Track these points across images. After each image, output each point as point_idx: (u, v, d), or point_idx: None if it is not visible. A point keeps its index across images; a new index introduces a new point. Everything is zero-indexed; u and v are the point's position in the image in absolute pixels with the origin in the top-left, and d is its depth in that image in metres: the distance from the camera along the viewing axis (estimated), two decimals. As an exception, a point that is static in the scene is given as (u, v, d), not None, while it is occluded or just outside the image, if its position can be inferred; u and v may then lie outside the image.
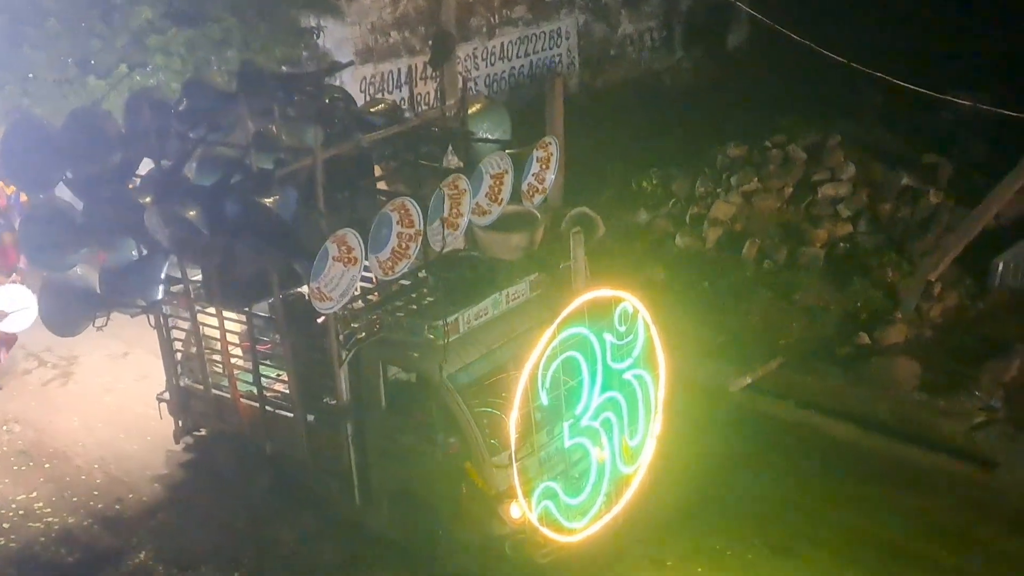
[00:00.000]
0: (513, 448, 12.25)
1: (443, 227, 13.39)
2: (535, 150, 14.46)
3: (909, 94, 18.51)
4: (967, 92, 19.58)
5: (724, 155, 22.51)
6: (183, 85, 15.69)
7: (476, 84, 24.43)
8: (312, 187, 12.97)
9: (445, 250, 13.69)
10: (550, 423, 12.83)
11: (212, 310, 14.44)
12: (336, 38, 22.47)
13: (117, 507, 15.17)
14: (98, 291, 14.15)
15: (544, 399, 12.49)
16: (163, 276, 14.01)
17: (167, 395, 15.63)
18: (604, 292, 12.75)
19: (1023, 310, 18.67)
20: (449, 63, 22.06)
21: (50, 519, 14.84)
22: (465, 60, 23.80)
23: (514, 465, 12.29)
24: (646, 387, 13.47)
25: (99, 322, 14.31)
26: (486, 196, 13.81)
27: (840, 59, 18.65)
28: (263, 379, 14.52)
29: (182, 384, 15.41)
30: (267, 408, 14.50)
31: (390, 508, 13.88)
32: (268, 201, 12.63)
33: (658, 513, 13.80)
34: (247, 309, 14.21)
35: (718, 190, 21.75)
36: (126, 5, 18.57)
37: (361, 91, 22.94)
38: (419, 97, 23.82)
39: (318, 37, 21.77)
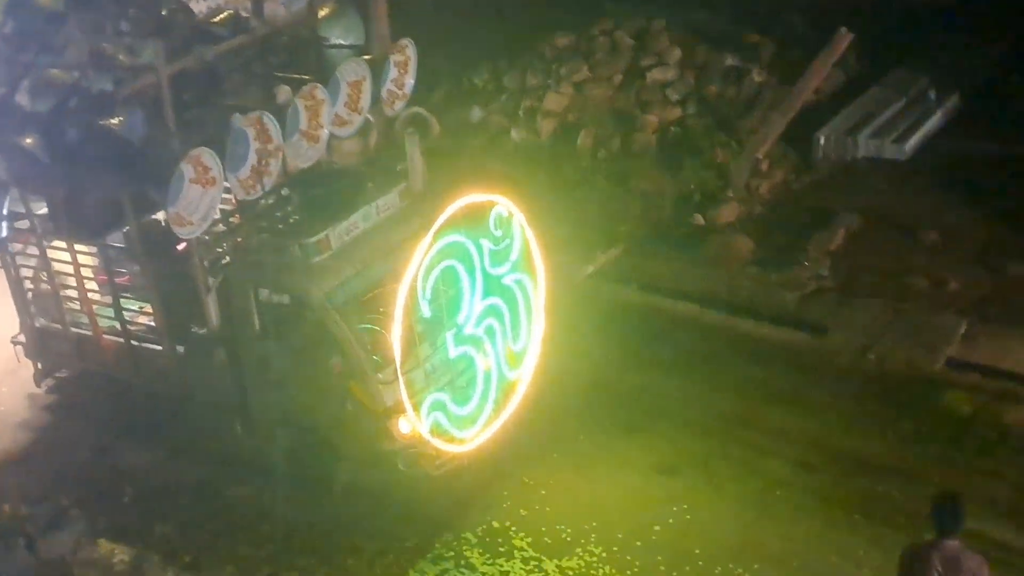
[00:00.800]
0: (398, 362, 11.79)
1: (303, 140, 13.05)
2: (391, 54, 14.02)
3: None
4: None
5: (552, 45, 22.45)
6: (6, 4, 14.66)
7: None
8: (159, 106, 12.28)
9: (307, 164, 13.26)
10: (433, 334, 12.45)
11: (63, 244, 13.64)
12: None
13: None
14: None
15: (426, 311, 12.11)
16: (4, 211, 13.58)
17: (22, 337, 14.71)
18: (477, 197, 12.45)
19: (844, 181, 19.34)
20: None
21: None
22: None
23: (400, 379, 11.85)
24: (526, 291, 13.24)
25: None
26: (345, 105, 13.43)
27: None
28: (125, 313, 13.75)
29: (37, 325, 14.53)
30: (132, 343, 13.80)
31: (277, 438, 13.12)
32: (112, 124, 12.14)
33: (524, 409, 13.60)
34: (100, 241, 13.59)
35: (549, 81, 21.53)
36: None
37: None
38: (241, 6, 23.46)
39: None
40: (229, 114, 12.98)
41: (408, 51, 14.13)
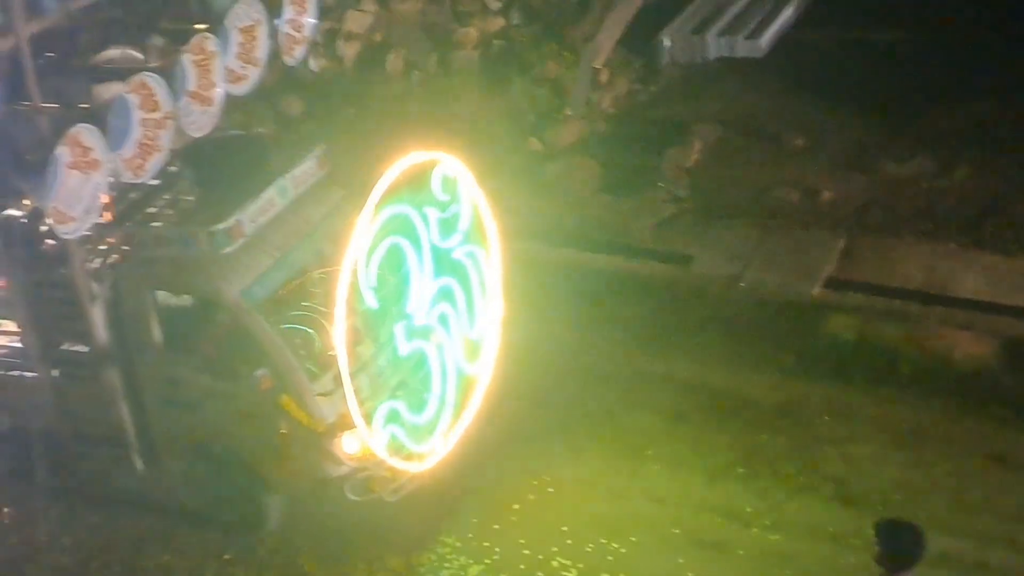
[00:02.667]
0: (344, 368, 10.06)
1: (194, 104, 11.08)
2: None
3: None
4: None
5: None
6: None
7: None
8: (19, 75, 10.40)
9: (200, 134, 11.30)
10: (377, 329, 10.73)
11: None
12: None
13: None
14: None
15: (372, 301, 10.33)
16: None
17: None
18: (419, 156, 10.61)
19: (696, 88, 18.41)
20: None
21: None
22: None
23: (348, 388, 10.11)
24: (479, 265, 11.39)
25: None
26: (237, 58, 11.51)
27: None
28: None
29: None
30: None
31: (183, 469, 11.53)
32: None
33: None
34: None
35: (348, -2, 19.69)
36: None
37: None
38: None
39: None
40: (97, 79, 11.18)
41: None
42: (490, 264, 11.45)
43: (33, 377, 11.52)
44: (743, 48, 18.92)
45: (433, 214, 10.78)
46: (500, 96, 18.45)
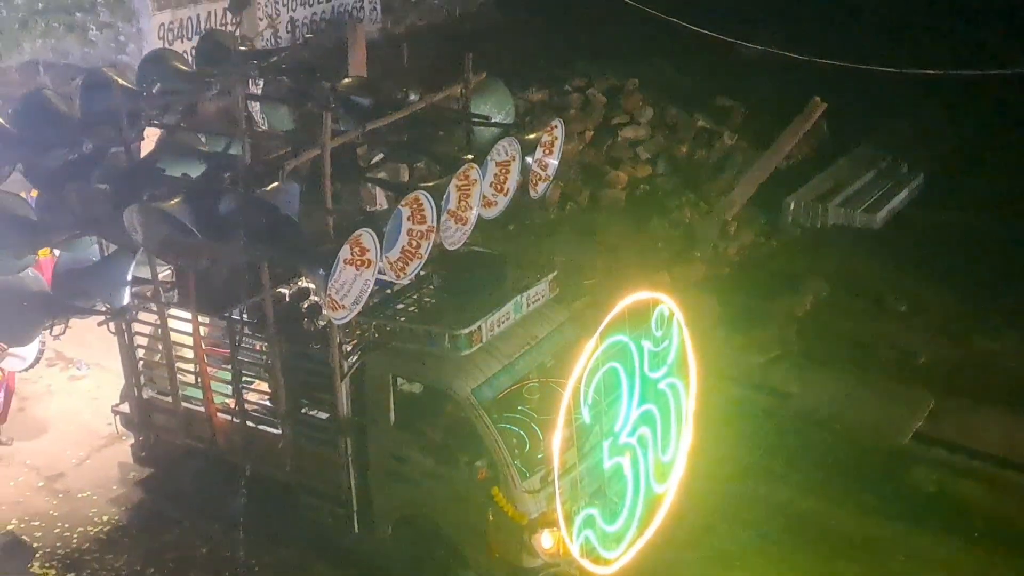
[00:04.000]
0: (556, 472, 10.05)
1: (451, 221, 11.22)
2: (542, 135, 12.18)
3: (702, 38, 17.56)
4: (756, 37, 18.51)
5: (525, 100, 20.95)
6: (141, 62, 13.13)
7: (276, 31, 22.35)
8: (315, 181, 10.80)
9: (454, 247, 11.39)
10: (584, 441, 10.60)
11: (183, 314, 11.80)
12: None
13: (71, 539, 12.54)
14: (52, 295, 11.70)
15: (586, 416, 10.36)
16: (129, 278, 11.54)
17: (125, 407, 12.99)
18: (645, 295, 10.82)
19: (813, 247, 18.40)
20: (249, 8, 19.72)
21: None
22: (265, 6, 21.60)
23: (556, 490, 10.08)
24: (679, 397, 11.44)
25: (56, 330, 11.70)
26: (491, 186, 11.62)
27: (637, 4, 18.68)
28: (243, 391, 11.82)
29: (145, 396, 12.64)
30: (247, 423, 11.86)
31: (394, 536, 11.60)
32: (268, 196, 10.48)
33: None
34: (226, 313, 11.58)
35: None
36: None
37: (160, 38, 20.31)
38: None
39: None
40: (361, 190, 11.52)
41: (556, 131, 12.28)
42: (687, 397, 11.60)
43: (277, 433, 11.81)
44: (860, 219, 18.97)
45: (647, 346, 10.95)
46: (640, 233, 18.69)
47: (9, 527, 12.36)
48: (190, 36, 21.84)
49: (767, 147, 18.90)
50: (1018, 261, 17.29)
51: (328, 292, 10.06)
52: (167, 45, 21.08)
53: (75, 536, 12.47)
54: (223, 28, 22.01)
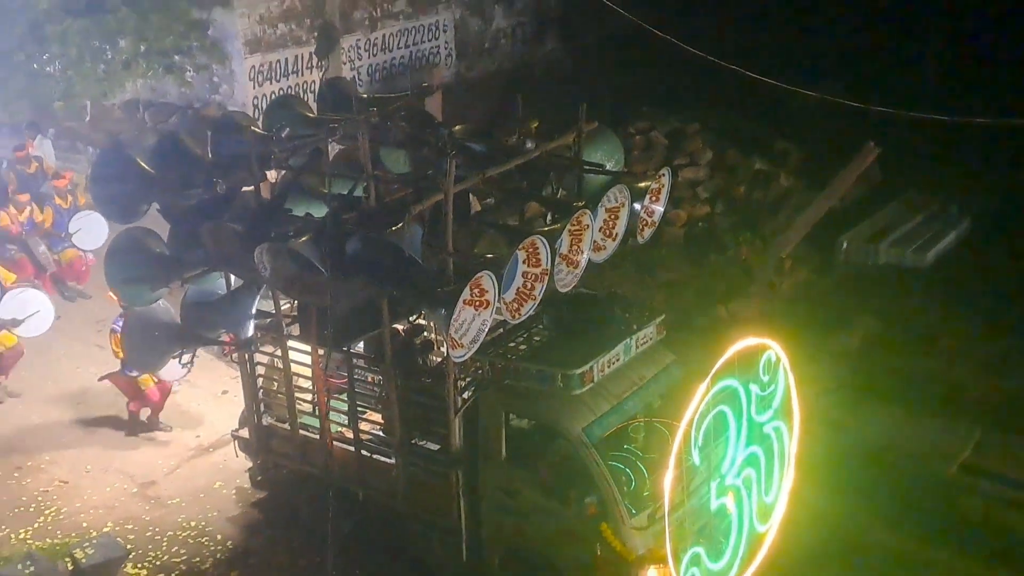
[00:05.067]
0: (667, 510, 9.73)
1: (563, 264, 11.03)
2: (652, 183, 12.03)
3: (763, 85, 16.92)
4: (814, 84, 19.76)
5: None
6: (268, 107, 13.27)
7: (359, 74, 22.39)
8: (435, 223, 10.63)
9: (565, 290, 11.20)
10: (694, 482, 10.40)
11: (303, 346, 11.68)
12: (225, 29, 20.24)
13: (161, 542, 12.59)
14: (181, 325, 11.68)
15: (696, 458, 10.06)
16: (254, 311, 11.55)
17: (244, 432, 12.81)
18: (755, 340, 10.57)
19: (865, 284, 18.16)
20: (334, 53, 19.85)
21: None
22: (349, 51, 21.56)
23: (667, 529, 9.73)
24: (782, 440, 11.16)
25: (184, 358, 11.77)
26: (600, 231, 11.43)
27: (699, 52, 18.79)
28: (341, 417, 11.75)
29: (264, 422, 12.50)
30: (362, 452, 11.71)
31: (502, 566, 11.32)
32: (394, 237, 10.31)
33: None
34: (346, 347, 11.55)
35: (587, 174, 21.32)
36: (24, -5, 15.80)
37: (250, 80, 20.42)
38: (305, 85, 22.49)
39: (208, 29, 19.63)
40: (472, 232, 11.41)
41: (664, 179, 12.17)
42: (791, 440, 11.30)
43: (389, 462, 11.65)
44: (910, 259, 18.71)
45: (755, 390, 10.63)
46: (698, 269, 18.52)
47: (105, 529, 12.29)
48: (278, 78, 22.10)
49: (822, 189, 18.70)
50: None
51: (450, 331, 9.89)
52: (257, 86, 21.34)
53: (164, 540, 12.42)
54: (309, 71, 22.37)
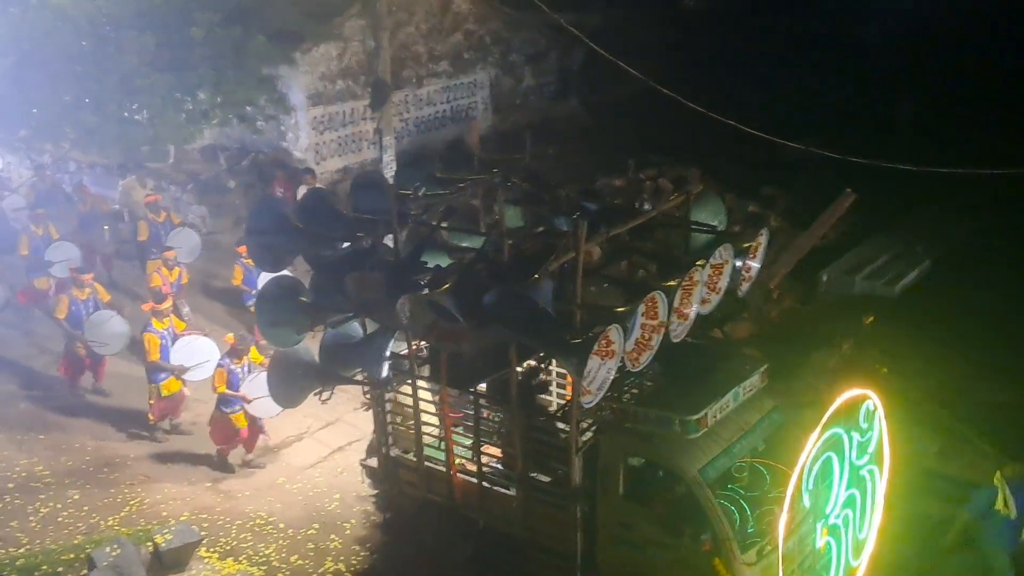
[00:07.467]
0: (780, 549, 9.38)
1: (674, 317, 10.61)
2: (753, 244, 11.81)
3: (755, 138, 17.50)
4: (800, 138, 18.40)
5: (609, 185, 21.05)
6: (400, 168, 13.02)
7: (407, 125, 22.52)
8: (564, 280, 10.09)
9: (676, 340, 10.78)
10: (802, 522, 9.95)
11: (432, 385, 11.20)
12: (291, 84, 20.46)
13: (231, 529, 12.29)
14: (320, 366, 11.12)
15: (806, 501, 9.60)
16: (388, 353, 11.14)
17: (372, 462, 12.33)
18: (858, 391, 10.33)
19: (842, 311, 18.23)
20: (385, 107, 19.85)
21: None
22: (398, 104, 21.62)
23: (780, 566, 9.41)
24: (875, 481, 10.70)
25: (324, 395, 11.39)
26: (706, 286, 11.06)
27: (700, 108, 17.79)
28: (463, 450, 11.35)
29: (392, 454, 11.98)
30: (484, 484, 11.10)
31: None
32: (526, 290, 9.88)
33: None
34: (473, 387, 10.93)
35: (605, 211, 21.27)
36: (115, 54, 16.28)
37: (313, 129, 20.59)
38: (361, 134, 21.86)
39: (276, 84, 19.64)
40: (599, 285, 10.90)
41: (762, 238, 11.87)
42: (881, 480, 10.75)
43: (516, 495, 10.99)
44: (882, 290, 18.79)
45: (855, 437, 10.15)
46: None
47: (182, 518, 12.00)
48: (336, 128, 22.83)
49: (805, 229, 19.03)
50: (1013, 329, 17.15)
51: (583, 380, 9.38)
52: (319, 135, 22.06)
53: (233, 528, 12.01)
54: (364, 121, 22.88)
